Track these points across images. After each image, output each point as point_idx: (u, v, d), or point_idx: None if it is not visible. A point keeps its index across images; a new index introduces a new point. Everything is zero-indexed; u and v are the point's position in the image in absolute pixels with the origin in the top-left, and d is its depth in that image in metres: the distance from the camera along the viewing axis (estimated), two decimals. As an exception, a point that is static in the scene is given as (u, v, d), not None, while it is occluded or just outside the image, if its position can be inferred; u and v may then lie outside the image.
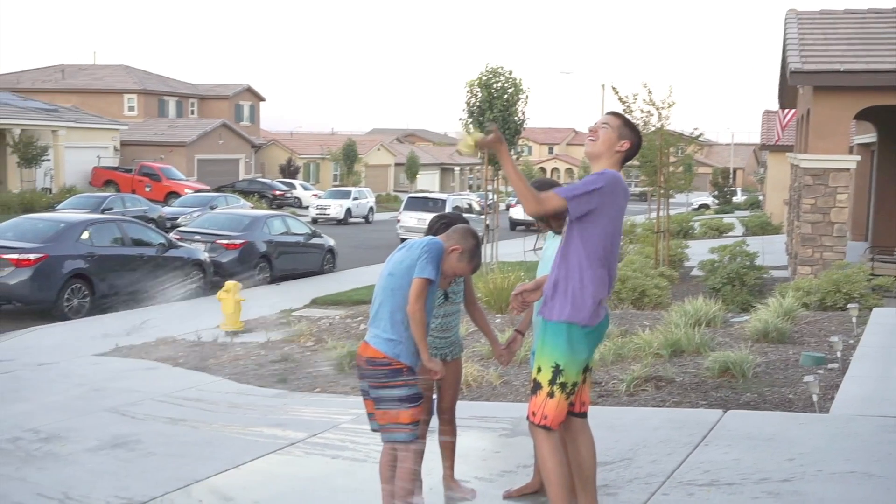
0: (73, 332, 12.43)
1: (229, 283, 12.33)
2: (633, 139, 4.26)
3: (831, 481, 5.04)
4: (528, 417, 4.18)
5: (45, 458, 6.25)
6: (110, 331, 12.17)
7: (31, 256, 13.55)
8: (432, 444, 5.14)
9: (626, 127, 4.27)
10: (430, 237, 4.61)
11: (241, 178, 52.07)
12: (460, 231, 4.64)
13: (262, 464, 6.01)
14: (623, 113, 4.40)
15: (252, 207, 30.98)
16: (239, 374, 9.28)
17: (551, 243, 4.74)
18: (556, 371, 4.06)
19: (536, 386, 4.12)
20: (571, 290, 4.04)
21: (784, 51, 16.39)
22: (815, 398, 6.62)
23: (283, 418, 7.30)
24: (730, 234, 30.66)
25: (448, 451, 5.18)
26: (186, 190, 39.59)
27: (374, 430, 4.58)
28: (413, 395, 4.40)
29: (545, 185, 4.63)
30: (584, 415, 4.30)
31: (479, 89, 19.32)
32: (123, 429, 7.01)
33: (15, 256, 13.51)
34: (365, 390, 4.52)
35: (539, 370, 4.12)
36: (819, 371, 7.68)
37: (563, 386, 4.07)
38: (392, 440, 4.44)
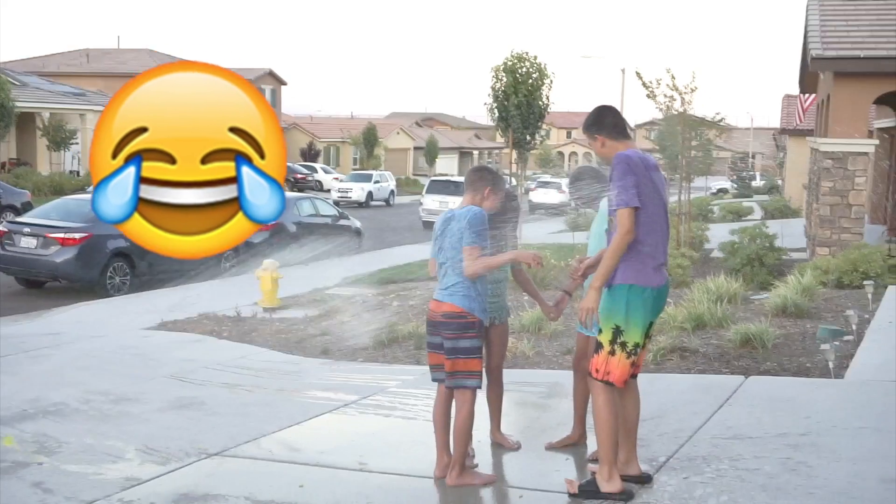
0: (118, 308, 12.98)
1: (267, 262, 12.80)
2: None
3: (844, 436, 5.52)
4: (589, 374, 4.68)
5: (120, 416, 6.81)
6: (153, 307, 12.69)
7: (77, 235, 14.12)
8: (479, 403, 5.62)
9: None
10: (469, 207, 5.06)
11: (263, 162, 52.53)
12: (472, 179, 5.15)
13: (320, 422, 6.56)
14: (582, 127, 4.93)
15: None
16: (283, 346, 9.79)
17: (597, 223, 5.25)
18: (616, 332, 4.56)
19: (598, 346, 4.65)
20: (628, 257, 4.50)
21: (805, 36, 16.69)
22: (830, 365, 7.07)
23: (333, 383, 7.83)
24: (749, 217, 30.92)
25: (495, 407, 5.69)
26: (210, 173, 40.19)
27: (434, 381, 5.14)
28: (479, 347, 5.00)
29: (589, 173, 5.24)
30: (634, 375, 4.79)
31: (503, 74, 19.75)
32: (185, 392, 7.55)
33: (61, 235, 14.10)
34: (436, 344, 5.06)
35: (601, 332, 4.63)
36: (835, 342, 8.10)
37: (623, 346, 4.56)
38: (460, 385, 4.98)
